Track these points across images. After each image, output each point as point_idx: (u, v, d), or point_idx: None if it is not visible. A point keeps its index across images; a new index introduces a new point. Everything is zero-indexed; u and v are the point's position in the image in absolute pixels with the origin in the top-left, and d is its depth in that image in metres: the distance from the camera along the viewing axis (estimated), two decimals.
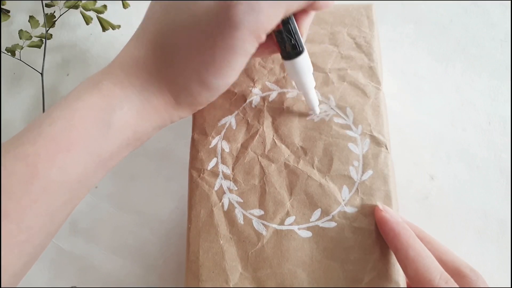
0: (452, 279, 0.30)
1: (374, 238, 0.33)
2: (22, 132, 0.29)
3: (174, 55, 0.30)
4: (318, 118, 0.37)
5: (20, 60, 0.49)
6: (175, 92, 0.31)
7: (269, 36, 0.31)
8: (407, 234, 0.32)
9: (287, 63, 0.33)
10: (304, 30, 0.33)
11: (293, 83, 0.37)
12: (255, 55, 0.32)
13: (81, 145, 0.29)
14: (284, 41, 0.32)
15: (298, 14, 0.32)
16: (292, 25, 0.31)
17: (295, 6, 0.29)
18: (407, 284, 0.35)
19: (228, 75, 0.30)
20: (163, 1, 0.31)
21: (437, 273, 0.30)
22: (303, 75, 0.34)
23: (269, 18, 0.28)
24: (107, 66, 0.32)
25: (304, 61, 0.33)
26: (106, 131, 0.30)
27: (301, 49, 0.33)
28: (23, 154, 0.28)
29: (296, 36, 0.32)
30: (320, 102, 0.37)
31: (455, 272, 0.32)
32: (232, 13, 0.27)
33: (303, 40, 0.33)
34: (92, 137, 0.29)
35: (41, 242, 0.30)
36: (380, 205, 0.34)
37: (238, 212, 0.35)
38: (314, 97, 0.36)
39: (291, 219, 0.34)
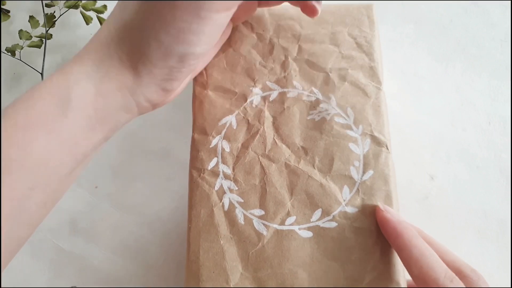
0: (457, 278, 0.30)
1: (375, 238, 0.33)
2: None
3: (134, 19, 0.29)
4: (319, 118, 0.37)
5: (20, 60, 0.49)
6: (135, 60, 0.30)
7: None
8: (410, 234, 0.32)
9: None
10: None
11: None
12: (239, 18, 0.32)
13: (39, 122, 0.28)
14: None
15: None
16: None
17: None
18: (409, 284, 0.35)
19: (190, 42, 0.29)
20: None
21: (442, 271, 0.30)
22: None
23: None
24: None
25: None
26: (65, 109, 0.28)
27: None
28: None
29: None
30: (321, 102, 0.37)
31: (456, 272, 0.32)
32: None
33: None
34: (50, 114, 0.28)
35: (11, 232, 0.28)
36: (381, 205, 0.34)
37: (239, 212, 0.35)
38: None
39: (291, 219, 0.34)
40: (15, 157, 0.27)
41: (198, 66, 0.34)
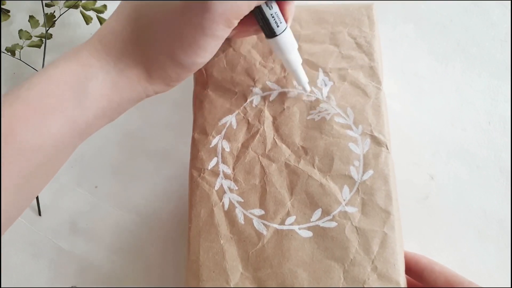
0: None
1: (375, 238, 0.33)
2: (2, 95, 0.30)
3: (148, 30, 0.32)
4: (318, 118, 0.37)
5: (20, 60, 0.49)
6: (148, 65, 0.33)
7: (251, 15, 0.33)
8: (425, 257, 0.35)
9: (270, 41, 0.35)
10: (289, 14, 0.35)
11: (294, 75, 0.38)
12: (239, 35, 0.35)
13: (57, 109, 0.30)
14: (265, 21, 0.33)
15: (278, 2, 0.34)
16: (269, 6, 0.33)
17: None
18: (409, 284, 0.35)
19: (198, 54, 0.32)
20: None
21: (466, 281, 0.33)
22: (287, 52, 0.35)
23: (241, 5, 0.30)
24: (88, 39, 0.33)
25: (287, 39, 0.34)
26: (82, 99, 0.31)
27: (282, 27, 0.34)
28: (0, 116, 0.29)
29: (276, 16, 0.33)
30: (321, 102, 0.37)
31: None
32: None
33: (289, 22, 0.35)
34: (68, 102, 0.30)
35: (17, 204, 0.31)
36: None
37: (239, 212, 0.35)
38: (302, 73, 0.37)
39: (291, 219, 0.34)
40: (30, 140, 0.29)
41: None
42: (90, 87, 0.31)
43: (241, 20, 0.32)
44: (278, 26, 0.33)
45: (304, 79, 0.37)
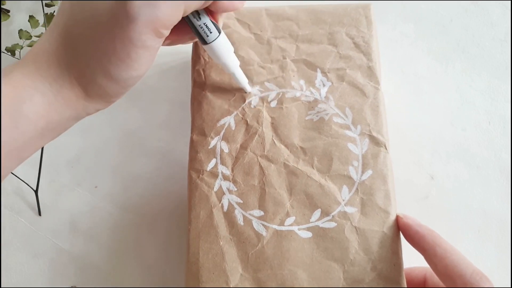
0: (485, 275, 0.31)
1: (374, 238, 0.33)
2: None
3: (80, 48, 0.31)
4: (317, 118, 0.37)
5: (20, 60, 0.49)
6: (84, 84, 0.32)
7: (185, 23, 0.33)
8: (432, 234, 0.33)
9: (206, 47, 0.35)
10: (220, 20, 0.35)
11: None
12: (175, 42, 0.35)
13: None
14: (196, 30, 0.34)
15: (208, 11, 0.34)
16: (197, 18, 0.33)
17: (193, 7, 0.31)
18: (409, 284, 0.35)
19: (132, 67, 0.31)
20: None
21: (469, 268, 0.31)
22: (223, 57, 0.35)
23: (166, 15, 0.29)
24: (21, 59, 0.33)
25: (221, 44, 0.35)
26: (17, 121, 0.30)
27: (212, 36, 0.34)
28: None
29: (204, 26, 0.33)
30: (319, 102, 0.37)
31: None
32: (128, 7, 0.28)
33: (220, 25, 0.35)
34: (3, 126, 0.30)
35: None
36: (400, 213, 0.35)
37: (238, 213, 0.35)
38: (241, 75, 0.37)
39: (291, 219, 0.34)
40: None
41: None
42: (25, 109, 0.30)
43: (174, 28, 0.31)
44: (208, 36, 0.34)
45: (244, 80, 0.38)
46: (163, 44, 0.33)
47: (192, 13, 0.33)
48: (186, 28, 0.34)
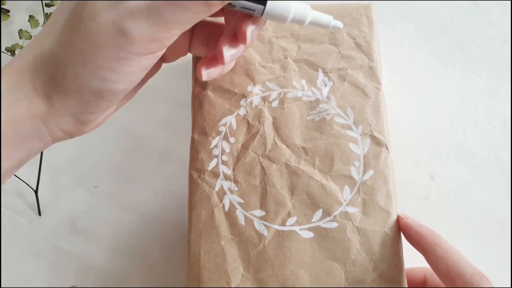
0: (486, 276, 0.31)
1: (376, 238, 0.33)
2: None
3: (53, 48, 0.28)
4: (318, 118, 0.37)
5: None
6: (49, 87, 0.29)
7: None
8: (432, 234, 0.33)
9: (267, 15, 0.31)
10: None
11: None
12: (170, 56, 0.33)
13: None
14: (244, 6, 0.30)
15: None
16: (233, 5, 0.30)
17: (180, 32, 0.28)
18: (410, 284, 0.35)
19: (109, 79, 0.28)
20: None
21: (469, 268, 0.31)
22: (286, 17, 0.31)
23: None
24: (19, 71, 0.30)
25: (274, 8, 0.30)
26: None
27: (258, 9, 0.30)
28: None
29: (245, 7, 0.30)
30: (321, 102, 0.37)
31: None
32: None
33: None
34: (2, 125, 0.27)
35: None
36: (401, 213, 0.35)
37: (239, 213, 0.35)
38: (320, 17, 0.33)
39: (292, 219, 0.34)
40: None
41: (121, 102, 0.34)
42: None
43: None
44: (255, 12, 0.30)
45: (326, 19, 0.33)
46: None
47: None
48: (185, 40, 0.33)
